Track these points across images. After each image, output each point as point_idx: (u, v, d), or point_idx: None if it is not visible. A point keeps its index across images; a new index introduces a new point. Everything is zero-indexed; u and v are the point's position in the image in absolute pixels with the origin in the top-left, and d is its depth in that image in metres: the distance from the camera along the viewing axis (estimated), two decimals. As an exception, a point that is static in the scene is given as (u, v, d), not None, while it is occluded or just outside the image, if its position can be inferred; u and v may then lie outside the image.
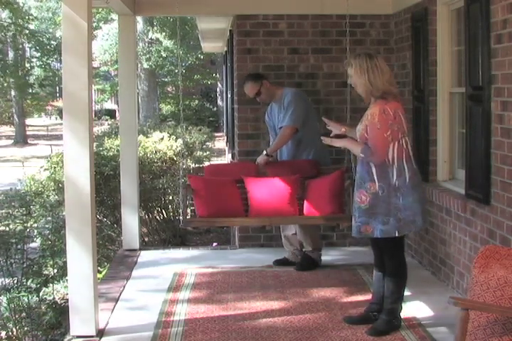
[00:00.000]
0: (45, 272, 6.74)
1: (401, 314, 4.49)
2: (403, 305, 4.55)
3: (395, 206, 4.22)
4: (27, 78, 27.28)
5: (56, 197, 7.96)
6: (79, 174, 4.22)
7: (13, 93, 28.57)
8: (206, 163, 10.13)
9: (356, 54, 4.39)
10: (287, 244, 6.11)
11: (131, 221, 6.72)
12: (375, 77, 4.19)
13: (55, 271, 6.68)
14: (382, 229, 4.24)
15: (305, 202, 5.45)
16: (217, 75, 28.06)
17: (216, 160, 15.54)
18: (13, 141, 29.67)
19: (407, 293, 5.18)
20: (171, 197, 9.34)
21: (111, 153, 8.97)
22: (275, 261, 6.11)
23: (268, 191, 5.43)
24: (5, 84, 26.22)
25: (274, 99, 5.97)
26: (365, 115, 4.25)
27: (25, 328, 6.09)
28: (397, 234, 4.27)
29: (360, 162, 4.32)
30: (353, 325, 4.49)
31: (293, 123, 5.74)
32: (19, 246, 6.74)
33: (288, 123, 5.74)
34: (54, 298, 6.40)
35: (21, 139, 29.42)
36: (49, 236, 7.16)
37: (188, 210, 8.68)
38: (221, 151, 17.94)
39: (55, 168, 8.62)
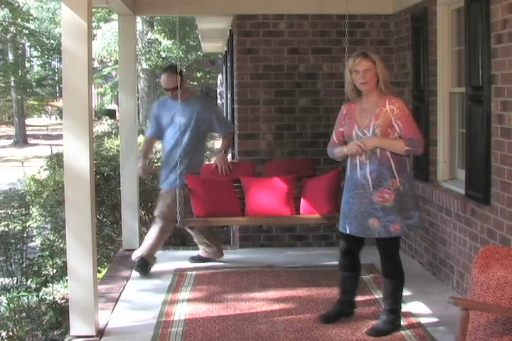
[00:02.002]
0: (45, 272, 6.73)
1: (401, 314, 4.49)
2: (403, 305, 4.55)
3: (416, 199, 4.30)
4: (27, 78, 27.28)
5: (56, 197, 7.95)
6: (79, 174, 4.22)
7: (13, 93, 28.56)
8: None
9: (371, 51, 4.37)
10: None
11: (131, 221, 6.72)
12: (386, 74, 4.29)
13: (55, 271, 6.67)
14: (410, 224, 4.25)
15: (301, 201, 5.46)
16: (219, 75, 28.06)
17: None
18: (13, 141, 29.64)
19: (407, 293, 5.19)
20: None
21: (111, 153, 8.96)
22: (191, 257, 6.37)
23: (265, 191, 5.43)
24: (4, 84, 26.22)
25: (178, 99, 5.67)
26: (382, 111, 4.19)
27: (26, 328, 6.08)
28: (420, 226, 4.35)
29: (376, 159, 4.21)
30: (327, 324, 4.50)
31: (233, 128, 6.39)
32: (19, 246, 6.74)
33: (232, 128, 6.31)
34: (54, 298, 6.40)
35: (21, 139, 29.39)
36: (49, 236, 7.16)
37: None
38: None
39: (55, 168, 8.62)
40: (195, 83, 28.20)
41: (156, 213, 6.05)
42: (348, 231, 4.38)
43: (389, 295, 4.41)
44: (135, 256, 5.96)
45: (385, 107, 4.19)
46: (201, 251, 6.32)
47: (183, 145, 5.74)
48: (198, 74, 27.96)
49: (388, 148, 4.19)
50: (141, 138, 9.11)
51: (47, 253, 6.74)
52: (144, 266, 5.88)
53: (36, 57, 27.97)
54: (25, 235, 6.98)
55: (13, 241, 6.69)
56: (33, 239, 7.43)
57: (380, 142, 4.18)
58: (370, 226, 4.26)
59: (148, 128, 6.42)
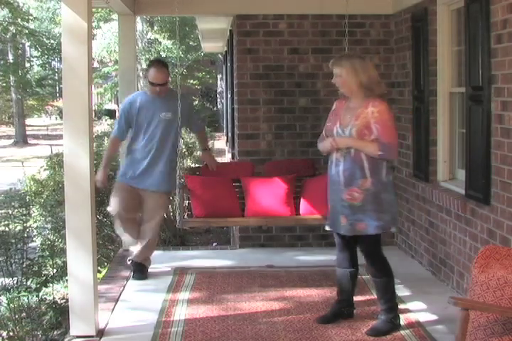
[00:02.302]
0: (45, 272, 6.73)
1: (400, 313, 4.49)
2: (403, 305, 4.55)
3: (387, 201, 4.28)
4: (27, 78, 27.27)
5: (56, 197, 7.95)
6: (79, 174, 4.22)
7: (13, 93, 28.56)
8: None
9: (348, 55, 4.49)
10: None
11: (131, 221, 6.69)
12: (367, 77, 4.26)
13: (55, 271, 6.67)
14: (378, 225, 4.26)
15: (301, 201, 5.46)
16: (219, 75, 28.07)
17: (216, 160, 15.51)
18: (13, 141, 29.66)
19: (407, 293, 5.20)
20: (171, 197, 9.31)
21: (111, 153, 8.94)
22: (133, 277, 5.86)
23: (264, 191, 5.43)
24: (5, 84, 26.21)
25: (163, 93, 5.65)
26: (363, 112, 4.23)
27: (26, 328, 6.08)
28: (393, 230, 4.38)
29: (350, 158, 4.27)
30: (327, 324, 4.50)
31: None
32: (19, 246, 6.74)
33: (204, 128, 6.43)
34: (54, 298, 6.40)
35: (21, 139, 29.40)
36: (49, 236, 7.16)
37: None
38: (221, 151, 17.94)
39: (55, 168, 8.62)
40: (195, 82, 28.20)
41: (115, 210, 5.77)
42: (327, 227, 4.54)
43: (382, 295, 4.43)
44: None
45: (367, 109, 4.24)
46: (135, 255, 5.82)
47: (170, 142, 5.60)
48: (200, 75, 27.96)
49: (361, 150, 4.25)
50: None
51: (47, 253, 6.74)
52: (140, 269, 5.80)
53: (36, 57, 27.95)
54: (25, 235, 6.98)
55: (13, 241, 6.69)
56: (34, 239, 7.43)
57: (353, 143, 4.25)
58: (340, 223, 4.35)
59: (115, 128, 5.90)
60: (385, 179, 4.28)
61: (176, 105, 5.37)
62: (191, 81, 27.30)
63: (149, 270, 5.89)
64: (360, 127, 4.21)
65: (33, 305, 6.29)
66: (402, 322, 4.48)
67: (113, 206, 5.76)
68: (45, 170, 8.91)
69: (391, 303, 4.42)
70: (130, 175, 5.69)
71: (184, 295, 5.26)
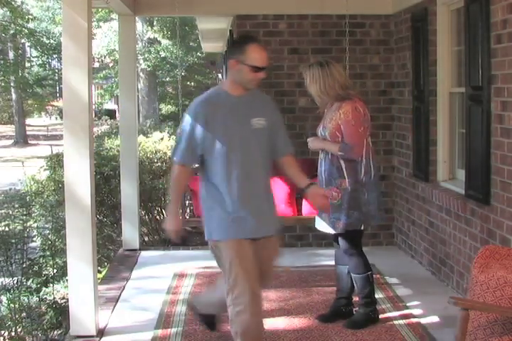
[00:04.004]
0: (45, 272, 6.73)
1: (400, 313, 4.51)
2: (403, 305, 4.55)
3: (360, 201, 4.36)
4: (27, 78, 27.27)
5: (56, 197, 7.95)
6: (79, 174, 4.22)
7: (13, 93, 28.56)
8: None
9: (309, 64, 4.53)
10: None
11: (131, 221, 6.72)
12: (326, 85, 4.36)
13: (55, 271, 6.68)
14: (346, 223, 4.34)
15: (303, 202, 5.46)
16: (219, 75, 28.05)
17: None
18: (13, 141, 29.66)
19: (407, 293, 5.20)
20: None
21: (111, 153, 8.97)
22: None
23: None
24: (5, 84, 26.21)
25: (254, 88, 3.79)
26: (335, 114, 4.35)
27: (26, 328, 6.09)
28: (362, 227, 4.43)
29: (328, 159, 4.41)
30: (327, 323, 4.53)
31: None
32: (19, 246, 6.75)
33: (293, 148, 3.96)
34: (54, 298, 6.40)
35: (21, 139, 29.41)
36: (49, 236, 7.16)
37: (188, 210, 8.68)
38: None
39: (55, 168, 8.62)
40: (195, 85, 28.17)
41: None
42: (318, 227, 4.66)
43: (360, 290, 4.48)
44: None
45: (338, 111, 4.36)
46: None
47: (264, 165, 3.74)
48: (199, 78, 27.93)
49: (329, 150, 4.40)
50: (141, 138, 9.13)
51: (47, 253, 6.74)
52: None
53: (36, 57, 27.93)
54: (25, 235, 6.98)
55: (13, 241, 6.69)
56: (34, 239, 7.43)
57: (321, 144, 4.47)
58: (325, 221, 4.48)
59: (178, 150, 3.70)
60: (364, 178, 4.36)
61: (268, 109, 3.80)
62: (190, 83, 27.28)
63: (149, 270, 5.90)
64: (332, 129, 4.37)
65: (33, 305, 6.29)
66: (379, 316, 4.54)
67: (241, 285, 3.54)
68: (45, 170, 8.91)
69: (368, 299, 4.49)
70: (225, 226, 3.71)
71: (184, 295, 5.26)
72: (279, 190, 5.42)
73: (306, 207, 5.44)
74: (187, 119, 3.64)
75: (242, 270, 3.52)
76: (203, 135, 3.58)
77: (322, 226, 4.56)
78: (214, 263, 6.32)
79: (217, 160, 3.62)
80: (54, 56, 26.38)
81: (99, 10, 19.44)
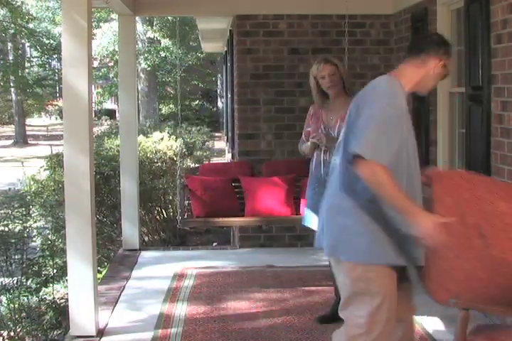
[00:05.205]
0: (45, 272, 6.73)
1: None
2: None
3: None
4: (27, 78, 27.26)
5: (56, 197, 7.96)
6: (79, 174, 4.22)
7: (13, 93, 28.55)
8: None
9: (331, 56, 4.56)
10: None
11: (131, 221, 6.71)
12: (347, 73, 4.48)
13: (55, 271, 6.67)
14: None
15: (301, 201, 5.46)
16: (219, 75, 28.08)
17: (216, 160, 15.59)
18: (13, 141, 29.67)
19: (407, 293, 5.18)
20: (170, 197, 9.34)
21: (111, 153, 8.98)
22: None
23: (264, 191, 5.44)
24: (4, 84, 26.20)
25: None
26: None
27: (26, 328, 6.09)
28: None
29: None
30: (327, 324, 4.48)
31: None
32: (19, 246, 6.74)
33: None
34: (54, 298, 6.40)
35: (21, 139, 29.41)
36: (49, 236, 7.16)
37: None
38: (221, 151, 17.96)
39: (55, 168, 8.63)
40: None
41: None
42: (310, 225, 4.52)
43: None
44: None
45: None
46: None
47: None
48: (197, 82, 27.97)
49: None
50: (140, 138, 9.14)
51: (47, 253, 6.74)
52: None
53: (36, 57, 27.93)
54: (25, 235, 6.98)
55: (13, 241, 6.69)
56: (34, 239, 7.43)
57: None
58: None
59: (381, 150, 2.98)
60: None
61: None
62: (187, 87, 27.29)
63: (149, 270, 5.90)
64: None
65: (33, 305, 6.29)
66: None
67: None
68: (45, 170, 8.92)
69: None
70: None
71: (184, 295, 5.26)
72: (277, 190, 5.42)
73: (303, 207, 5.44)
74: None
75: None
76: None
77: (314, 224, 4.53)
78: (214, 263, 6.33)
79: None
80: (54, 56, 26.36)
81: (99, 10, 19.45)
